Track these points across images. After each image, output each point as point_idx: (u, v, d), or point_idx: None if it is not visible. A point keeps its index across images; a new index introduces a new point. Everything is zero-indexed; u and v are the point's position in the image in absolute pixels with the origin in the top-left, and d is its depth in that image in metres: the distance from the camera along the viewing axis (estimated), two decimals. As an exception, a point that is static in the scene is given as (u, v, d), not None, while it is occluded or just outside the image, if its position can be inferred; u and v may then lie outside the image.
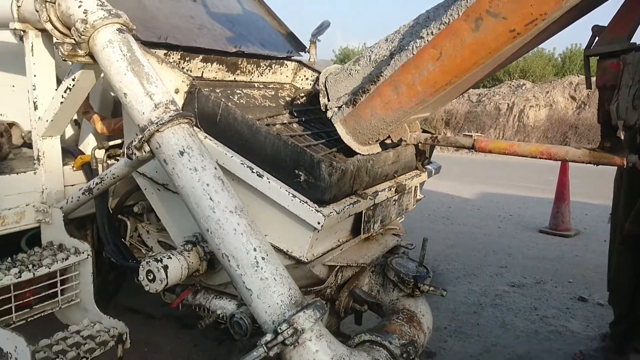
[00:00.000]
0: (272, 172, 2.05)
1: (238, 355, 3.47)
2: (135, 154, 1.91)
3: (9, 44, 3.21)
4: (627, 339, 3.37)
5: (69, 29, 2.08)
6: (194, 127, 1.95)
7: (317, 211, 1.93)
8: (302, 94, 3.36)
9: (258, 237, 1.78)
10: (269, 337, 1.65)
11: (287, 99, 3.31)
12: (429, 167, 3.03)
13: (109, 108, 3.06)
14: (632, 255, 3.30)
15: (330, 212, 1.96)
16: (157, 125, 1.83)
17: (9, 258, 2.24)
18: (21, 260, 2.21)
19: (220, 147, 2.11)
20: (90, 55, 2.04)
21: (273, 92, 3.27)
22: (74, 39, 2.06)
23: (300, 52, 3.61)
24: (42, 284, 2.21)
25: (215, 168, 1.85)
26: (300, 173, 2.00)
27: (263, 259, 1.74)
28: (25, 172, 2.34)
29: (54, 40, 2.07)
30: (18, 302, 2.11)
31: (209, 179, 1.80)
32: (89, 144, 2.94)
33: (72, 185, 2.55)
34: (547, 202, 7.94)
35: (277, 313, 1.70)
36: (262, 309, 1.72)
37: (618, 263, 3.43)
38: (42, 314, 2.26)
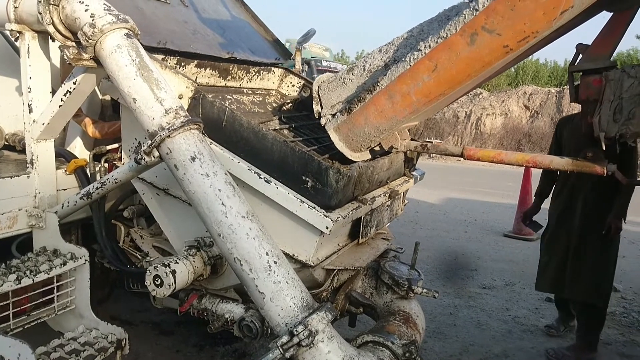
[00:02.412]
0: (279, 178, 2.09)
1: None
2: (144, 159, 1.91)
3: (-10, 44, 3.12)
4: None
5: (72, 32, 2.07)
6: (203, 133, 1.98)
7: (326, 216, 1.99)
8: (289, 101, 3.41)
9: (269, 242, 1.81)
10: (285, 339, 1.68)
11: (274, 105, 3.35)
12: (414, 173, 3.14)
13: (97, 111, 3.01)
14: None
15: (338, 217, 2.02)
16: (169, 131, 1.84)
17: (3, 264, 2.18)
18: (16, 266, 2.15)
19: (226, 153, 2.13)
20: (95, 59, 2.03)
21: (260, 98, 3.31)
22: (77, 43, 2.05)
23: (286, 59, 3.66)
24: (38, 291, 2.16)
25: (226, 174, 1.88)
26: (308, 179, 2.05)
27: (275, 262, 1.78)
28: (18, 176, 2.29)
29: (58, 43, 2.04)
30: (15, 309, 2.06)
31: (220, 185, 1.83)
32: (75, 148, 2.89)
33: (64, 190, 2.51)
34: (508, 207, 8.30)
35: (290, 316, 1.74)
36: (275, 311, 1.75)
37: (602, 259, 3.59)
38: (39, 321, 2.21)
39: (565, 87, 23.12)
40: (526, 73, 25.61)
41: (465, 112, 21.89)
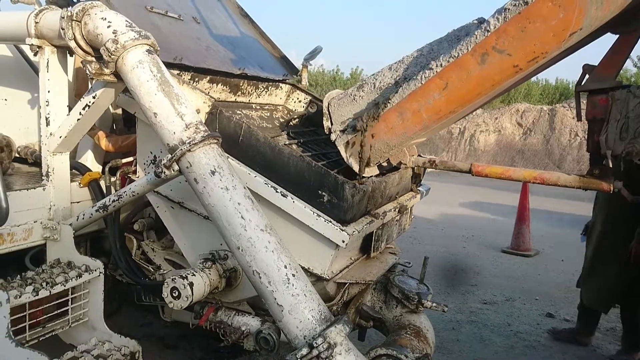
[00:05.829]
0: (294, 192, 2.13)
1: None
2: (164, 172, 1.94)
3: (2, 57, 3.14)
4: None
5: (92, 48, 2.10)
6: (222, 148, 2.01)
7: (342, 230, 2.02)
8: (296, 117, 3.45)
9: (287, 255, 1.84)
10: (304, 351, 1.70)
11: (281, 120, 3.40)
12: (420, 188, 3.19)
13: (108, 124, 3.04)
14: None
15: (353, 231, 2.06)
16: (189, 145, 1.87)
17: (18, 276, 2.18)
18: (32, 278, 2.16)
19: (243, 167, 2.17)
20: (115, 74, 2.07)
21: (268, 114, 3.36)
22: (97, 57, 2.08)
23: (293, 75, 3.72)
24: (52, 303, 2.17)
25: (245, 187, 1.91)
26: (324, 193, 2.09)
27: (293, 275, 1.80)
28: (34, 188, 2.30)
29: (81, 59, 2.08)
30: (31, 321, 2.07)
31: (240, 198, 1.86)
32: (87, 161, 2.91)
33: (78, 202, 2.52)
34: (505, 222, 8.35)
35: (308, 328, 1.75)
36: (293, 324, 1.77)
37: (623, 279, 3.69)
38: (53, 333, 2.21)
39: (557, 104, 23.44)
40: (518, 91, 25.85)
41: (459, 128, 22.05)
